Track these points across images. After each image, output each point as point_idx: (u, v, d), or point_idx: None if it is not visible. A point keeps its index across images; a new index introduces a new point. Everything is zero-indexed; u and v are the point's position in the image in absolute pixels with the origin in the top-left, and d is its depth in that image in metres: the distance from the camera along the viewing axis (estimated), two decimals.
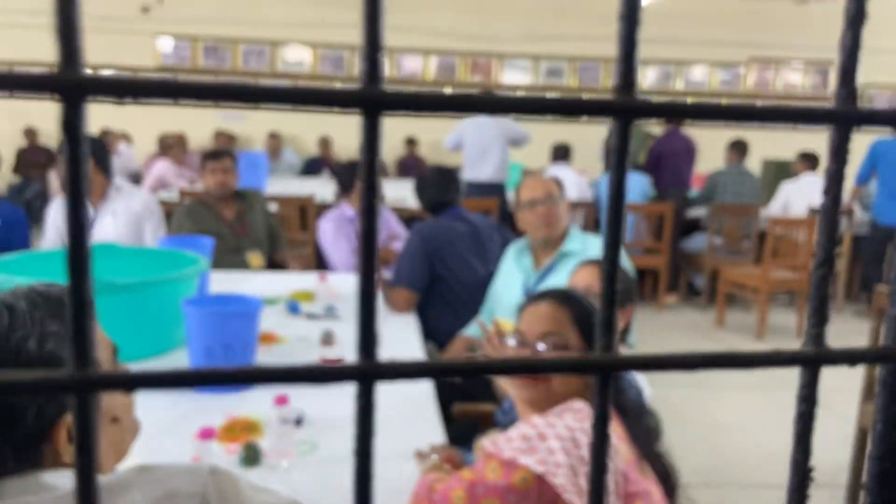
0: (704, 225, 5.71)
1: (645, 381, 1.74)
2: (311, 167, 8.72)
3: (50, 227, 3.16)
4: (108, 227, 3.09)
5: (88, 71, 0.21)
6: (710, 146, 7.31)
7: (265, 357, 1.90)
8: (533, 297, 1.37)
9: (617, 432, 1.18)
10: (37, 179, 8.05)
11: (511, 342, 1.31)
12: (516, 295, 2.35)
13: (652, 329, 4.83)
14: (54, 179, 4.87)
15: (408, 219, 3.99)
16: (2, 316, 0.81)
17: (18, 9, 7.83)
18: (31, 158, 8.30)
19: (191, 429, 1.38)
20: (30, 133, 8.40)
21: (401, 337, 2.28)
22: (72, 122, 0.21)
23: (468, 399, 2.21)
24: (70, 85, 0.21)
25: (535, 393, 1.23)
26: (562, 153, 6.15)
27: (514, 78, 9.12)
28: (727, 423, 3.51)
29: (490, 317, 2.43)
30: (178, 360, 1.88)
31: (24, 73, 0.21)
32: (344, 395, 1.58)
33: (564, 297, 1.32)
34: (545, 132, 6.85)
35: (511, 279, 2.49)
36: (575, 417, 1.12)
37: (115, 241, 2.75)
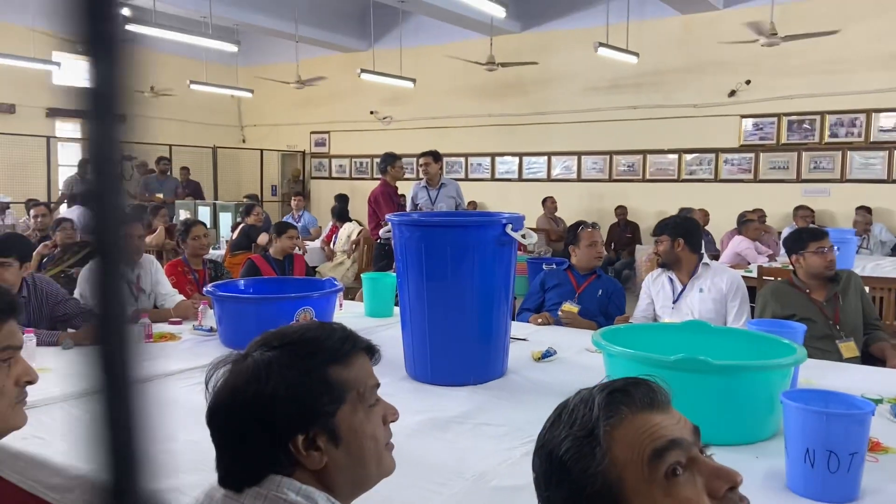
0: None
1: None
2: None
3: (643, 297, 3.45)
4: (694, 301, 3.21)
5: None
6: None
7: (871, 468, 1.65)
8: None
9: None
10: (625, 255, 9.25)
11: None
12: None
13: None
14: (641, 255, 5.37)
15: None
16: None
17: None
18: (621, 236, 9.56)
19: None
20: (621, 210, 9.73)
21: None
22: None
23: None
24: None
25: None
26: None
27: None
28: None
29: None
30: (769, 449, 1.79)
31: None
32: None
33: None
34: None
35: None
36: None
37: (703, 319, 2.82)
